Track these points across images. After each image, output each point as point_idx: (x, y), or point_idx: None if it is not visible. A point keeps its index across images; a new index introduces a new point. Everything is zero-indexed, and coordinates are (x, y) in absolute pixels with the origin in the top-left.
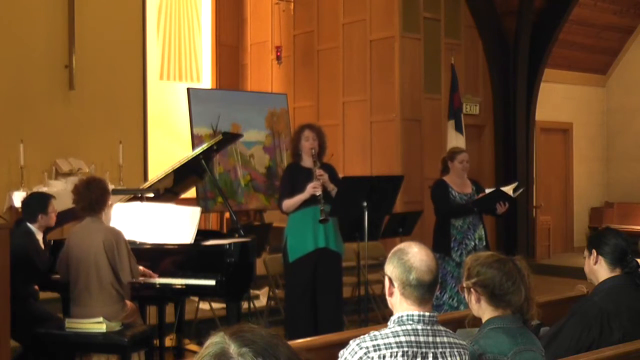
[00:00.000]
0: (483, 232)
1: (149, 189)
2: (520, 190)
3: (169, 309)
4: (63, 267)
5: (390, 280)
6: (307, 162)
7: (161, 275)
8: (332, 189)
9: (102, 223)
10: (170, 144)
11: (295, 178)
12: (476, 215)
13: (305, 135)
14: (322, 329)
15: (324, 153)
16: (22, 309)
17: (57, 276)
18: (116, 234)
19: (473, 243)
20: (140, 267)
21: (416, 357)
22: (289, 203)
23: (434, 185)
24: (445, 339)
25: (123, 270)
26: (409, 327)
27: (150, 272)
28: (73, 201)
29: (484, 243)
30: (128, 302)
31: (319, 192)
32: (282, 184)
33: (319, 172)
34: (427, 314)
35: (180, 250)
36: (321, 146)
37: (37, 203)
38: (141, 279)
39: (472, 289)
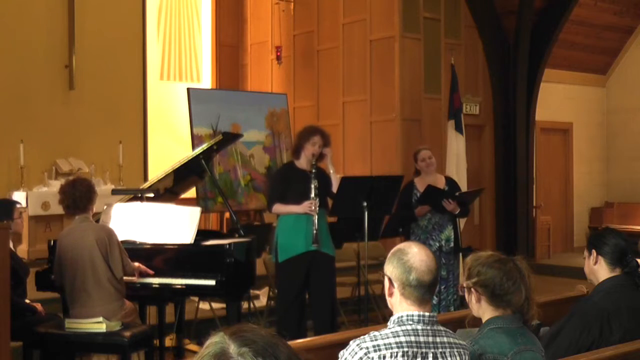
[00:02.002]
0: (452, 234)
1: (149, 189)
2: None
3: (169, 309)
4: (58, 270)
5: (390, 280)
6: (303, 163)
7: (161, 275)
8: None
9: (92, 222)
10: (170, 144)
11: (288, 179)
12: (444, 215)
13: (314, 140)
14: (317, 331)
15: (321, 161)
16: (20, 324)
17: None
18: (108, 231)
19: (438, 244)
20: (136, 264)
21: (416, 357)
22: (280, 209)
23: (402, 187)
24: (445, 339)
25: (115, 266)
26: (409, 327)
27: (146, 268)
28: (59, 201)
29: (451, 244)
30: (127, 302)
31: (315, 214)
32: (274, 185)
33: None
34: (427, 314)
35: (180, 250)
36: (321, 154)
37: (2, 210)
38: (138, 279)
39: (472, 289)
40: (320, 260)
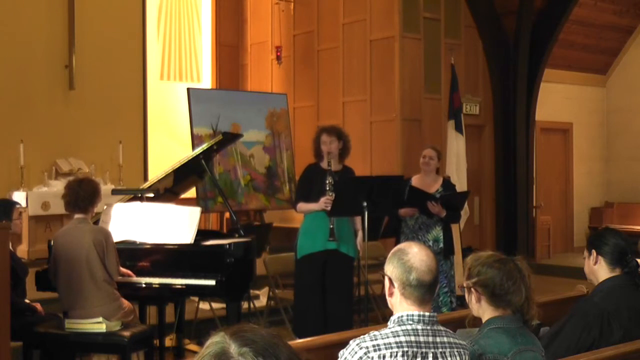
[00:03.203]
0: (440, 234)
1: (149, 189)
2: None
3: (169, 309)
4: (53, 269)
5: (390, 280)
6: (326, 164)
7: (161, 275)
8: None
9: (90, 224)
10: (170, 144)
11: (312, 179)
12: (432, 216)
13: (323, 139)
14: (331, 329)
15: (347, 154)
16: (20, 324)
17: None
18: (105, 233)
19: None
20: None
21: (416, 357)
22: (302, 207)
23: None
24: (445, 339)
25: (111, 268)
26: (409, 327)
27: (129, 272)
28: (62, 195)
29: (440, 245)
30: (125, 302)
31: (329, 208)
32: (299, 185)
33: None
34: (427, 314)
35: (180, 250)
36: (344, 147)
37: (1, 210)
38: (138, 279)
39: (472, 289)
40: (338, 260)
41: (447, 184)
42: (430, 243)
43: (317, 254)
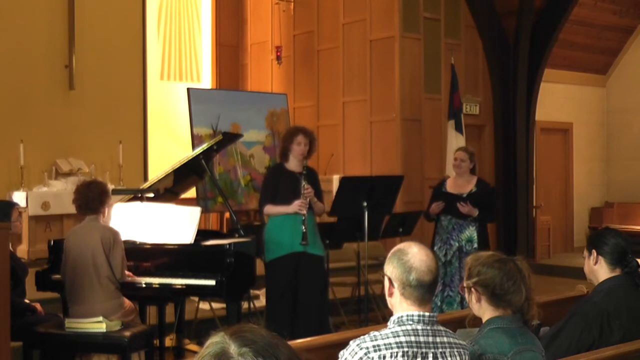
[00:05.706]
0: (475, 235)
1: (149, 189)
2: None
3: (169, 309)
4: (63, 266)
5: (390, 280)
6: (292, 164)
7: (161, 276)
8: (315, 202)
9: (100, 222)
10: (170, 144)
11: (278, 180)
12: (467, 217)
13: (298, 140)
14: (306, 331)
15: (311, 155)
16: (20, 324)
17: (58, 276)
18: (114, 233)
19: (457, 244)
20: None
21: (416, 357)
22: (271, 210)
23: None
24: (445, 339)
25: (115, 267)
26: (409, 327)
27: (129, 272)
28: (72, 200)
29: (475, 245)
30: (126, 301)
31: (303, 212)
32: (264, 186)
33: (306, 189)
34: (427, 314)
35: (180, 250)
36: (310, 150)
37: (0, 211)
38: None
39: (472, 289)
40: (308, 261)
41: (481, 183)
42: (464, 243)
43: (286, 256)
